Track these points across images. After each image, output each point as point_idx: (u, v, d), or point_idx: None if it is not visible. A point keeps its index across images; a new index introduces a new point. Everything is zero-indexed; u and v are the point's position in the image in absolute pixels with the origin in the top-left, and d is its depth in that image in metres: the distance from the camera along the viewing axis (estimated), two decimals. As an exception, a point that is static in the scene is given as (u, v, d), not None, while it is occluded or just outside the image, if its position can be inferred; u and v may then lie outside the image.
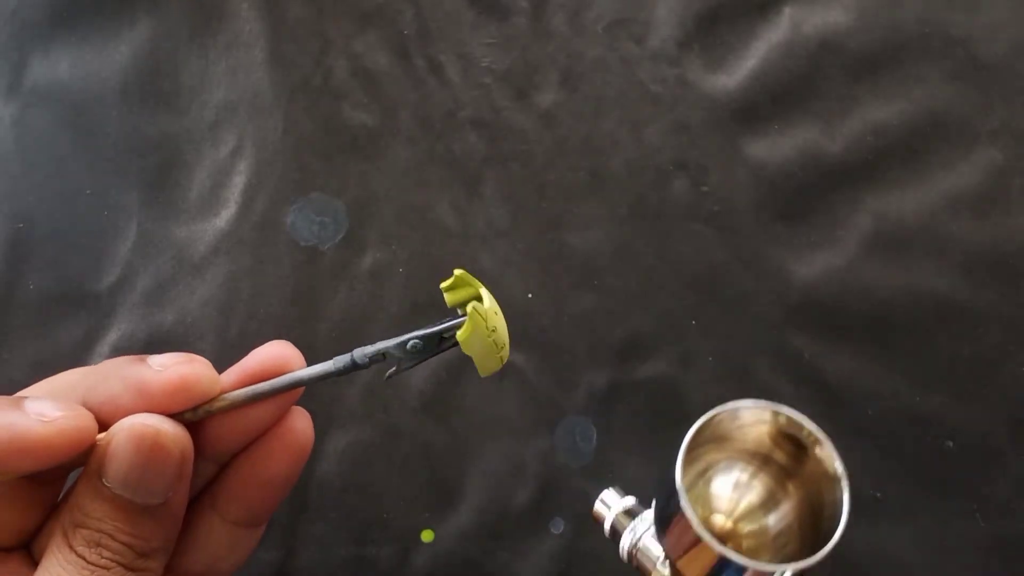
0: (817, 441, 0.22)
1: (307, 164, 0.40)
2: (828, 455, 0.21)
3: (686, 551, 0.21)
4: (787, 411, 0.22)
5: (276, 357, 0.25)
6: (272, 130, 0.40)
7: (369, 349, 0.25)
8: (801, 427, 0.22)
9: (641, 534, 0.27)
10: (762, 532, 0.22)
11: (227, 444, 0.25)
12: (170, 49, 0.42)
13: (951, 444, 0.36)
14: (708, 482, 0.23)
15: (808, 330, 0.38)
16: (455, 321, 0.24)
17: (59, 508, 0.25)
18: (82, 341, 0.38)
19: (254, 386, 0.25)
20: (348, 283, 0.39)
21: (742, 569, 0.20)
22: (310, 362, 0.38)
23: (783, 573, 0.20)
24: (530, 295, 0.38)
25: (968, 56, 0.40)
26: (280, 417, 0.25)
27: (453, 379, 0.38)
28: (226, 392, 0.24)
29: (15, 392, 0.38)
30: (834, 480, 0.21)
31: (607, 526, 0.28)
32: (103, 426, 0.23)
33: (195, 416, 0.24)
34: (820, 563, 0.20)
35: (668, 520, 0.22)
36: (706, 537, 0.20)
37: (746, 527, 0.23)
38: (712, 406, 0.37)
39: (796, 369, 0.37)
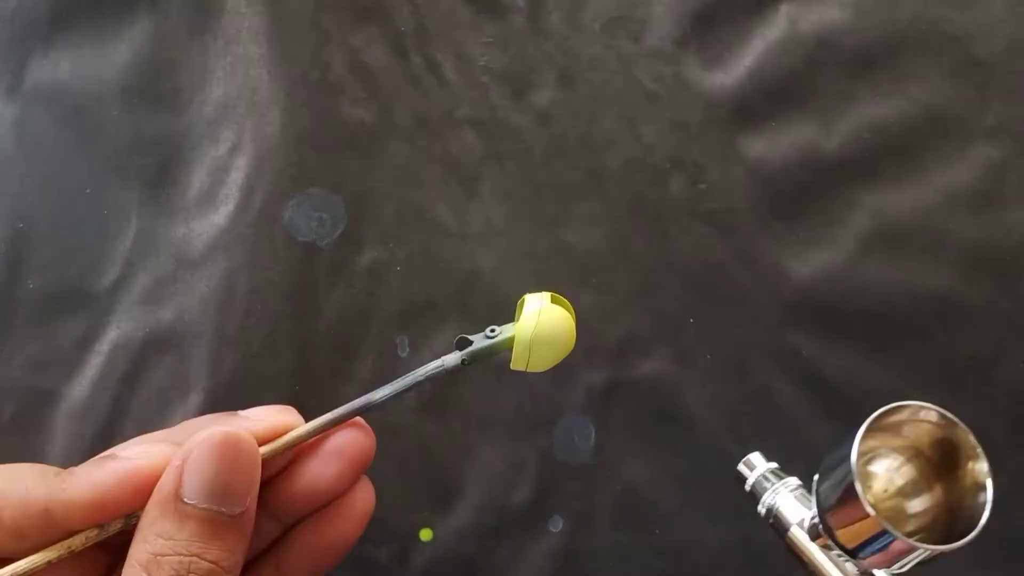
0: (975, 454, 0.25)
1: (305, 159, 0.40)
2: (981, 469, 0.24)
3: (847, 518, 0.24)
4: (958, 422, 0.25)
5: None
6: (270, 125, 0.40)
7: (430, 367, 0.26)
8: (966, 438, 0.25)
9: (782, 496, 0.30)
10: (900, 513, 0.26)
11: (296, 507, 0.26)
12: (170, 48, 0.42)
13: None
14: (866, 462, 0.26)
15: (806, 328, 0.38)
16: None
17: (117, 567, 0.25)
18: (82, 340, 0.39)
19: (308, 424, 0.25)
20: (345, 280, 0.39)
21: (892, 541, 0.24)
22: (310, 363, 0.38)
23: (922, 553, 0.24)
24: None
25: (965, 53, 0.40)
26: (350, 485, 0.26)
27: (451, 378, 0.38)
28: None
29: (12, 390, 0.38)
30: (980, 486, 0.24)
31: (749, 484, 0.31)
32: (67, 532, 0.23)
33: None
34: (955, 551, 0.23)
35: (834, 489, 0.25)
36: (873, 512, 0.23)
37: (886, 505, 0.26)
38: (711, 404, 0.37)
39: (794, 367, 0.38)
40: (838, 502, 0.25)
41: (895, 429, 0.26)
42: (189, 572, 0.22)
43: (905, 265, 0.38)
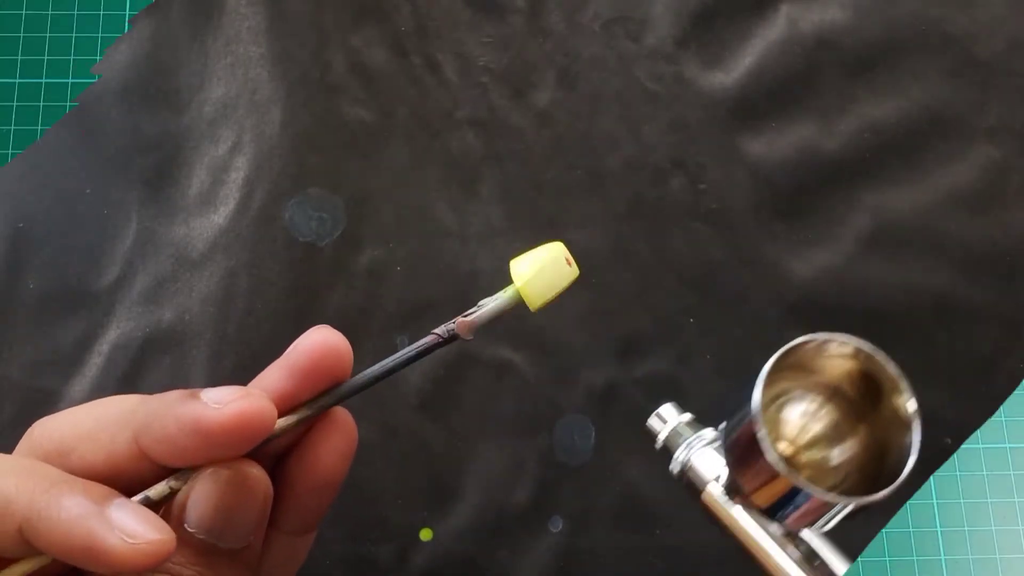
0: (897, 387, 0.22)
1: (305, 159, 0.40)
2: (904, 401, 0.21)
3: (756, 476, 0.21)
4: (874, 351, 0.22)
5: (322, 345, 0.25)
6: (270, 124, 0.40)
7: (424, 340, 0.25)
8: (885, 370, 0.22)
9: (696, 451, 0.26)
10: (822, 463, 0.23)
11: (274, 444, 0.25)
12: (170, 48, 0.42)
13: (949, 441, 0.36)
14: (779, 408, 0.23)
15: (806, 328, 0.38)
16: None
17: None
18: (82, 340, 0.39)
19: (302, 410, 0.24)
20: (345, 280, 0.39)
21: (808, 497, 0.20)
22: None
23: (845, 507, 0.20)
24: (528, 293, 0.38)
25: (965, 53, 0.40)
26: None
27: (451, 377, 0.38)
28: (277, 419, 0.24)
29: (12, 390, 0.38)
30: (905, 424, 0.21)
31: (660, 440, 0.27)
32: (161, 466, 0.23)
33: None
34: (881, 501, 0.20)
35: (739, 442, 0.22)
36: (780, 467, 0.20)
37: (807, 456, 0.23)
38: (711, 404, 0.37)
39: (794, 366, 0.37)
40: (745, 457, 0.21)
41: (809, 366, 0.23)
42: None
43: (905, 265, 0.38)
